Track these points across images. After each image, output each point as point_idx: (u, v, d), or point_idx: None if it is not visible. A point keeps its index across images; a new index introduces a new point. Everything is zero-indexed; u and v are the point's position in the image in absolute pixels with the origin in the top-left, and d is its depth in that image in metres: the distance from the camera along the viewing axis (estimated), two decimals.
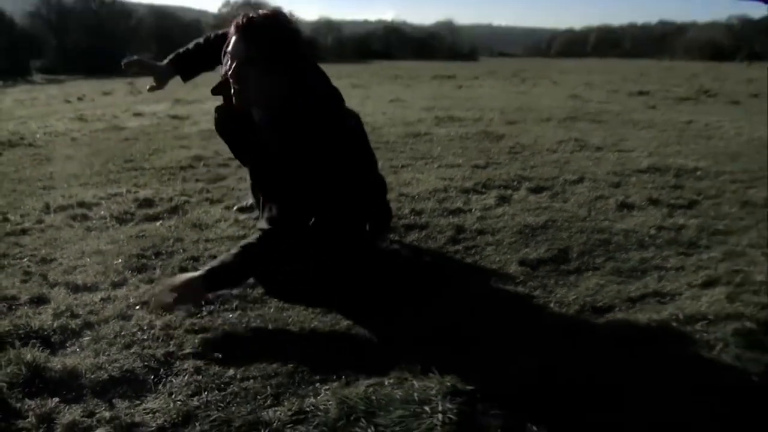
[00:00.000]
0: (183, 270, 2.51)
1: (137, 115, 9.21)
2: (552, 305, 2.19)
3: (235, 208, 3.36)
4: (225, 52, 2.27)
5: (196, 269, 2.33)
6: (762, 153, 5.35)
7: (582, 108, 9.51)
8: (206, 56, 2.72)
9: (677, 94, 12.84)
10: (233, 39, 2.22)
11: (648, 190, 3.76)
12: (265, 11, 2.24)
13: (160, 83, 2.70)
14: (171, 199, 3.65)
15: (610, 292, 2.28)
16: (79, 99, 13.41)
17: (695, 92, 13.20)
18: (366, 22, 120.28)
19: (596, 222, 3.11)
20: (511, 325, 2.04)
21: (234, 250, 2.21)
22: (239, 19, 2.21)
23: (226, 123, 2.70)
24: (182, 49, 2.76)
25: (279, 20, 2.24)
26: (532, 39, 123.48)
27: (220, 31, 2.64)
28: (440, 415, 1.49)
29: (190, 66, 2.76)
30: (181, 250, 2.79)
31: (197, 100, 11.30)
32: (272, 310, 2.18)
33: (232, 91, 2.29)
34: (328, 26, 75.80)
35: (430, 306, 2.19)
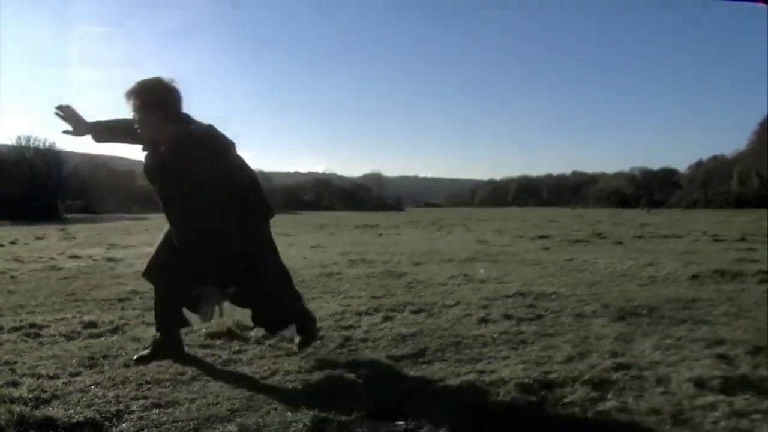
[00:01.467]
0: (127, 366, 3.22)
1: (73, 257, 9.83)
2: (406, 381, 2.99)
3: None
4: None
5: (139, 369, 3.06)
6: (616, 281, 6.44)
7: (484, 251, 10.69)
8: (124, 132, 3.36)
9: (574, 237, 14.29)
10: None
11: (507, 309, 4.68)
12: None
13: (75, 133, 3.39)
14: (112, 322, 4.32)
15: (448, 369, 3.10)
16: (12, 243, 13.79)
17: (589, 235, 14.74)
18: (297, 174, 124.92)
19: (456, 331, 3.99)
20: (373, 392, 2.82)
21: None
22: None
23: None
24: (108, 119, 3.47)
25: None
26: (457, 189, 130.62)
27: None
28: None
29: (105, 133, 3.46)
30: (124, 354, 3.47)
31: (130, 245, 12.00)
32: (196, 387, 2.89)
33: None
34: (260, 177, 78.26)
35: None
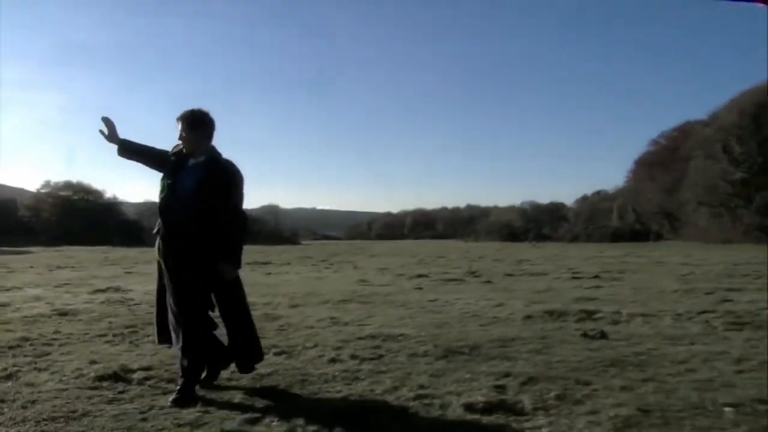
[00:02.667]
0: (25, 407, 3.86)
1: None
2: (252, 410, 3.81)
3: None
4: None
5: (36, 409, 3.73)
6: (463, 321, 7.50)
7: (360, 291, 11.61)
8: (149, 156, 4.40)
9: (450, 275, 15.49)
10: None
11: (355, 350, 5.58)
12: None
13: (108, 138, 4.35)
14: (5, 369, 4.89)
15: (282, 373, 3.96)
16: None
17: (464, 273, 16.01)
18: None
19: (306, 370, 4.84)
20: None
21: None
22: None
23: None
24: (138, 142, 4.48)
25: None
26: (354, 221, 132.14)
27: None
28: None
29: (131, 150, 4.40)
30: (21, 398, 4.10)
31: (16, 287, 12.12)
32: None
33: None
34: (153, 209, 76.26)
35: None
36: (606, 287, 12.16)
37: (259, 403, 4.01)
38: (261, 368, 4.81)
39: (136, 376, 4.64)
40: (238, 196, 4.35)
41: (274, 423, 3.55)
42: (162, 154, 4.38)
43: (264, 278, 15.86)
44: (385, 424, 3.52)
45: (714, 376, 4.49)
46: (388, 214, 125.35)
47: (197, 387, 4.22)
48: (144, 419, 3.68)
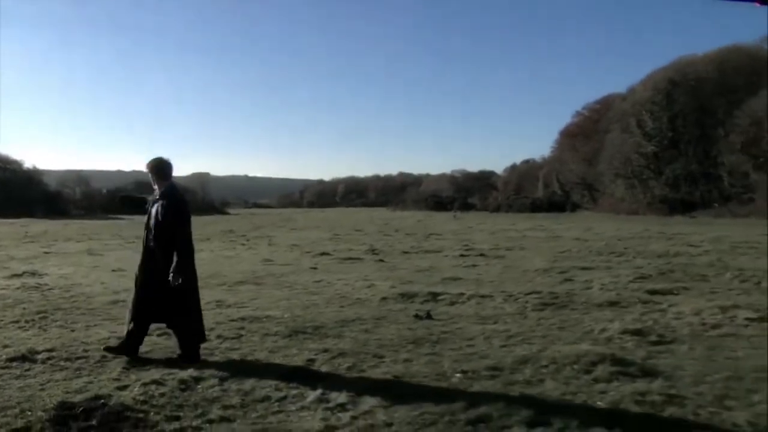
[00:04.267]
0: None
1: None
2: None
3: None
4: None
5: None
6: (329, 303, 8.99)
7: (260, 272, 12.97)
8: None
9: (352, 253, 17.04)
10: None
11: (222, 331, 6.96)
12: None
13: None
14: None
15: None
16: None
17: (365, 251, 17.58)
18: (120, 173, 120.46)
19: (174, 348, 6.21)
20: None
21: None
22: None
23: None
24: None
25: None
26: (287, 189, 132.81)
27: None
28: None
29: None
30: None
31: None
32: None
33: None
34: (77, 179, 75.11)
35: None
36: (481, 266, 13.91)
37: (134, 374, 5.38)
38: (144, 347, 6.16)
39: (40, 356, 5.92)
40: (187, 221, 5.86)
41: (136, 388, 4.92)
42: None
43: None
44: (212, 387, 4.95)
45: (481, 350, 6.07)
46: (321, 182, 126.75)
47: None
48: (42, 389, 5.00)
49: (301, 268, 13.69)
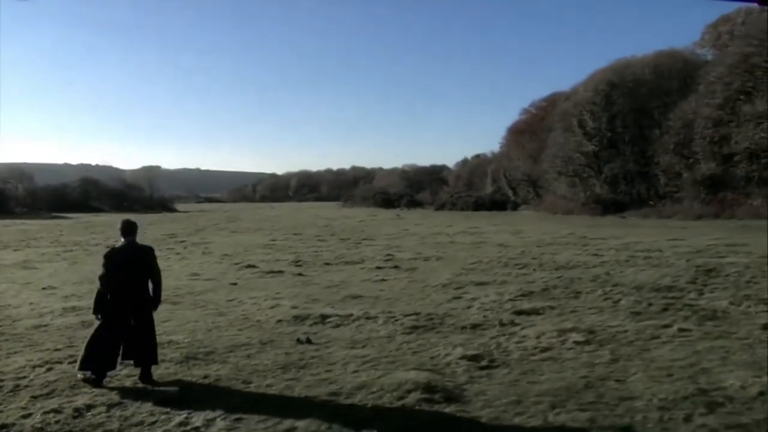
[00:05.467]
0: None
1: None
2: None
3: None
4: None
5: None
6: (232, 326, 10.26)
7: (182, 288, 14.11)
8: None
9: (276, 266, 18.32)
10: None
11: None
12: None
13: None
14: None
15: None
16: None
17: (290, 263, 18.88)
18: (67, 165, 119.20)
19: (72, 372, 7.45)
20: None
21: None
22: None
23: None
24: None
25: None
26: (240, 182, 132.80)
27: None
28: None
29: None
30: None
31: None
32: None
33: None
34: (20, 174, 74.30)
35: None
36: (389, 280, 15.31)
37: (40, 403, 6.59)
38: (52, 375, 7.37)
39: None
40: (156, 263, 7.59)
41: (38, 416, 6.15)
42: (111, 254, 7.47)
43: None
44: (99, 414, 6.21)
45: (334, 375, 7.40)
46: (273, 176, 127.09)
47: None
48: None
49: (222, 284, 14.90)
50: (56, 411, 6.23)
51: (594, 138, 57.46)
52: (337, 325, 10.15)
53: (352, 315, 10.76)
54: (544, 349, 8.51)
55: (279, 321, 10.47)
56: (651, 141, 54.70)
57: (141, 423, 5.97)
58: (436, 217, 49.94)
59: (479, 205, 60.73)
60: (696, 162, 48.91)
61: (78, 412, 6.22)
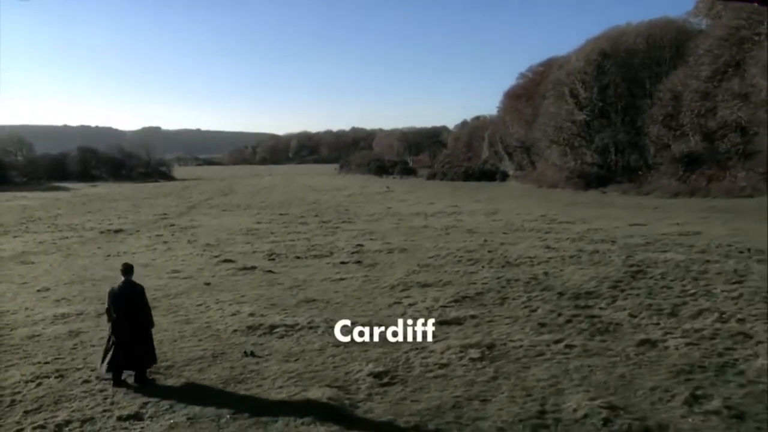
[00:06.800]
0: None
1: None
2: None
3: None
4: None
5: None
6: (194, 335, 12.35)
7: (161, 290, 16.14)
8: None
9: (251, 260, 20.40)
10: None
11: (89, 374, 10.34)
12: None
13: None
14: None
15: None
16: None
17: (264, 256, 20.95)
18: (66, 128, 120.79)
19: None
20: None
21: None
22: None
23: None
24: None
25: None
26: (240, 143, 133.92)
27: None
28: None
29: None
30: None
31: None
32: None
33: None
34: (18, 142, 75.82)
35: None
36: (347, 279, 17.30)
37: (30, 418, 8.71)
38: (41, 390, 9.48)
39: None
40: (146, 300, 9.94)
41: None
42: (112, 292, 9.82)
43: (105, 262, 20.33)
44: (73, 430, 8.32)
45: (256, 392, 9.48)
46: (273, 137, 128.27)
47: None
48: None
49: (198, 283, 16.93)
50: (42, 426, 8.31)
51: (585, 107, 58.90)
52: (282, 336, 12.14)
53: (297, 324, 12.73)
54: (442, 366, 10.28)
55: (234, 331, 12.47)
56: (642, 111, 56.12)
57: None
58: (424, 189, 51.96)
59: (469, 176, 62.56)
60: (683, 134, 50.48)
61: (58, 428, 8.30)
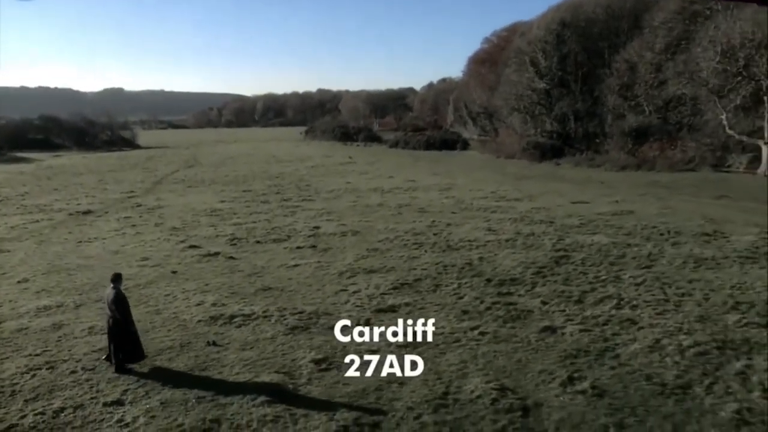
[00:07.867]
0: None
1: None
2: None
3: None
4: None
5: None
6: (163, 326, 14.48)
7: (132, 279, 18.21)
8: None
9: (214, 244, 22.45)
10: None
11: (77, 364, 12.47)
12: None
13: None
14: None
15: None
16: None
17: (226, 241, 23.02)
18: (24, 89, 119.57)
19: None
20: None
21: None
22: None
23: None
24: None
25: None
26: (205, 105, 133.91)
27: None
28: None
29: None
30: None
31: None
32: None
33: None
34: None
35: None
36: (301, 266, 19.46)
37: (30, 405, 10.83)
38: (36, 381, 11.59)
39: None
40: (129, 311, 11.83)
41: (30, 416, 10.41)
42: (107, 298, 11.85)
43: (76, 248, 22.24)
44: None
45: (213, 381, 11.71)
46: (239, 98, 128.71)
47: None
48: None
49: (165, 272, 18.92)
50: (41, 413, 10.41)
51: (545, 76, 61.10)
52: (240, 326, 14.19)
53: (253, 314, 14.81)
54: (372, 352, 12.34)
55: (199, 321, 14.52)
56: (600, 81, 58.49)
57: (95, 420, 10.22)
58: (385, 160, 53.97)
59: (430, 144, 64.67)
60: (638, 105, 52.99)
61: (55, 414, 10.41)
